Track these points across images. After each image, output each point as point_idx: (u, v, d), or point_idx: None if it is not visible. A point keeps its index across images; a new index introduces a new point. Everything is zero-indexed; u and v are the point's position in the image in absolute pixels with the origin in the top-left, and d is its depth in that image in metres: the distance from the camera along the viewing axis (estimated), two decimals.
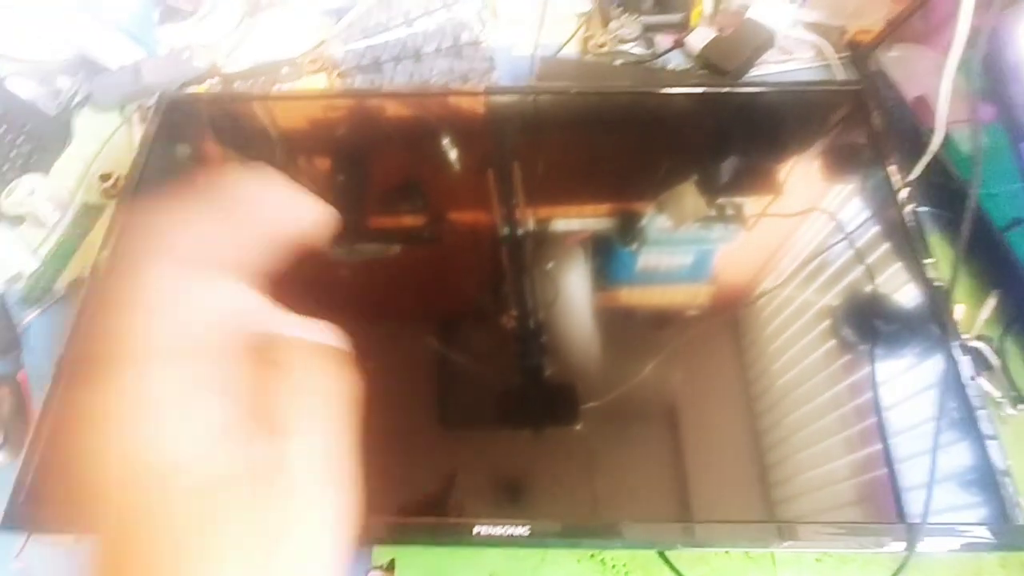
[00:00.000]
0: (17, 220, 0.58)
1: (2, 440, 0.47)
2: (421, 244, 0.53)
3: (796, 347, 0.45)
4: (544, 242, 0.51)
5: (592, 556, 0.43)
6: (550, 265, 0.49)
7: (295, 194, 0.19)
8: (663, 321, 0.47)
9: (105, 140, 0.63)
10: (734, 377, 0.44)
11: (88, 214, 0.59)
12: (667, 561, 0.42)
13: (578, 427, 0.43)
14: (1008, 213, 0.47)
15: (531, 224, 0.52)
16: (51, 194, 0.58)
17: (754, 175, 0.54)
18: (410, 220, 0.54)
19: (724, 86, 0.59)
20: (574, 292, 0.48)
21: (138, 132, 0.63)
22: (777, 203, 0.52)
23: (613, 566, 0.43)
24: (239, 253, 0.18)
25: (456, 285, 0.51)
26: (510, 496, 0.41)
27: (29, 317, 0.53)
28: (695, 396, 0.44)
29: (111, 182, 0.59)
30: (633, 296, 0.49)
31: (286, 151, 0.59)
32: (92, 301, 0.48)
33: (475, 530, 0.38)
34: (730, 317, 0.47)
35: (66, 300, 0.55)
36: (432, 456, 0.42)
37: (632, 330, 0.48)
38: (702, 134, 0.58)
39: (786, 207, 0.52)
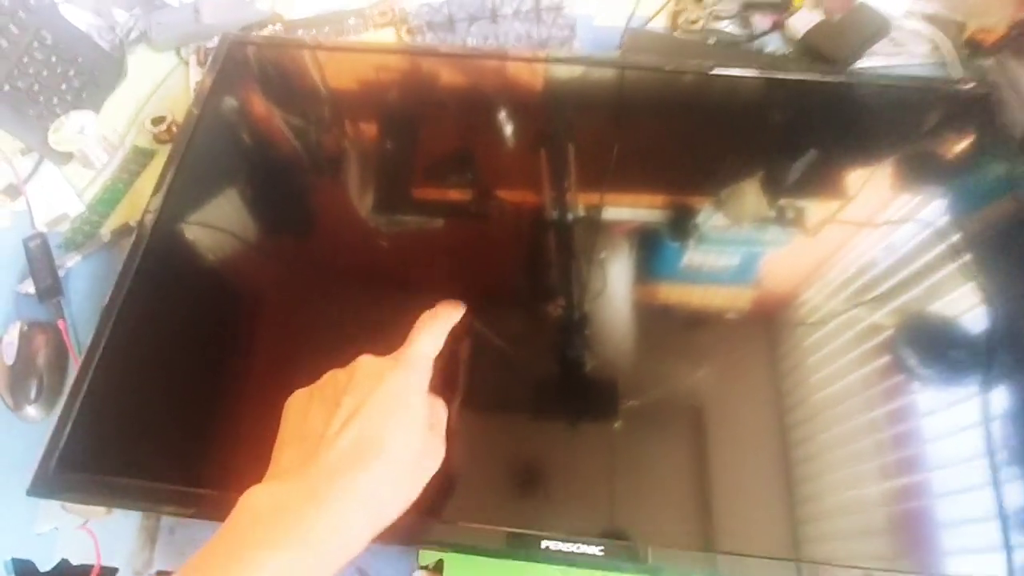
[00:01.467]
0: (64, 158, 0.55)
1: (36, 392, 0.45)
2: (466, 220, 0.50)
3: (869, 371, 0.41)
4: (594, 229, 0.47)
5: None
6: (602, 255, 0.46)
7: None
8: (707, 329, 0.43)
9: (160, 82, 0.60)
10: (795, 394, 0.40)
11: (138, 158, 0.56)
12: None
13: (616, 424, 0.39)
14: None
15: (582, 209, 0.48)
16: (101, 134, 0.54)
17: (847, 175, 0.49)
18: (457, 194, 0.51)
19: (833, 75, 0.54)
20: (621, 284, 0.45)
21: (194, 75, 0.60)
22: (872, 208, 0.48)
23: None
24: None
25: (498, 265, 0.48)
26: (549, 502, 0.37)
27: (71, 263, 0.50)
28: (747, 408, 0.40)
29: (163, 126, 0.56)
30: (684, 295, 0.45)
31: (342, 109, 0.55)
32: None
33: (543, 544, 0.35)
34: (789, 330, 0.43)
35: (110, 247, 0.51)
36: (473, 449, 0.39)
37: (678, 331, 0.44)
38: (791, 126, 0.53)
39: (865, 214, 0.47)
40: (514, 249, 0.48)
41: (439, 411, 0.36)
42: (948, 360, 0.41)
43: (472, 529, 0.36)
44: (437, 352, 0.35)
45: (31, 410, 0.44)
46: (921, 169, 0.49)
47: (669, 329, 0.44)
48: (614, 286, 0.45)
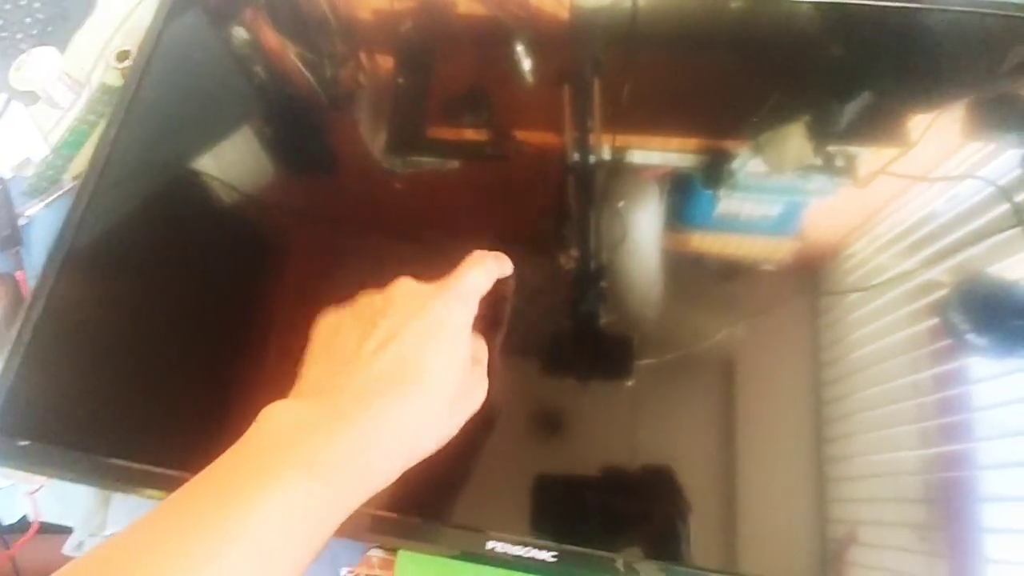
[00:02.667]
0: (30, 98, 0.52)
1: None
2: (482, 161, 0.45)
3: (914, 334, 0.35)
4: (618, 174, 0.42)
5: None
6: (621, 204, 0.41)
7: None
8: (739, 282, 0.38)
9: (128, 13, 0.55)
10: (832, 352, 0.35)
11: (105, 97, 0.52)
12: None
13: (630, 383, 0.36)
14: None
15: (606, 152, 0.43)
16: (65, 71, 0.51)
17: (908, 120, 0.41)
18: (473, 134, 0.46)
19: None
20: (643, 234, 0.40)
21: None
22: (914, 158, 0.40)
23: None
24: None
25: (515, 210, 0.43)
26: (533, 497, 0.33)
27: (33, 210, 0.48)
28: (777, 367, 0.36)
29: (129, 62, 0.51)
30: (711, 246, 0.40)
31: (342, 40, 0.49)
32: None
33: (488, 545, 0.31)
34: (829, 287, 0.37)
35: (73, 194, 0.49)
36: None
37: (703, 285, 0.39)
38: (848, 62, 0.44)
39: (924, 165, 0.39)
40: (531, 193, 0.44)
41: (482, 349, 0.33)
42: (1007, 329, 0.35)
43: (407, 522, 0.32)
44: (486, 291, 0.32)
45: None
46: (993, 115, 0.40)
47: (693, 283, 0.39)
48: (635, 235, 0.40)
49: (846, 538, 0.32)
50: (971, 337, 0.35)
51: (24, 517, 0.42)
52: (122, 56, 0.52)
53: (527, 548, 0.30)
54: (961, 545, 0.31)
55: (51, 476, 0.39)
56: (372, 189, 0.44)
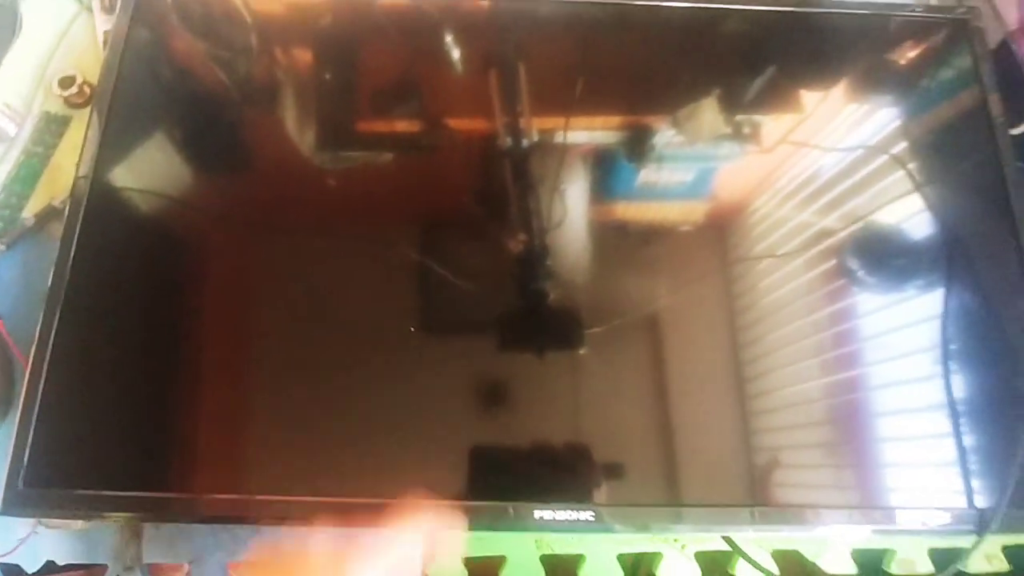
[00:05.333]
0: None
1: None
2: (416, 152, 0.47)
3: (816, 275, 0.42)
4: (549, 154, 0.45)
5: None
6: (560, 180, 0.44)
7: None
8: (660, 244, 0.44)
9: (62, 33, 0.52)
10: (746, 298, 0.42)
11: (52, 127, 0.49)
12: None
13: (582, 351, 0.40)
14: None
15: (536, 134, 0.46)
16: (3, 101, 0.48)
17: (805, 96, 0.48)
18: (404, 125, 0.47)
19: (789, 5, 0.50)
20: (580, 210, 0.44)
21: (100, 22, 0.52)
22: (820, 130, 0.47)
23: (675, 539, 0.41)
24: None
25: (452, 199, 0.46)
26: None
27: None
28: (705, 319, 0.41)
29: (74, 88, 0.49)
30: (639, 215, 0.45)
31: (270, 42, 0.49)
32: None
33: (536, 515, 0.36)
34: (733, 248, 0.43)
35: (36, 232, 0.47)
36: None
37: (631, 253, 0.44)
38: (740, 42, 0.50)
39: (816, 131, 0.47)
40: (468, 180, 0.46)
41: None
42: (892, 268, 0.43)
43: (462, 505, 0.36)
44: None
45: None
46: (883, 90, 0.48)
47: (623, 250, 0.43)
48: (574, 212, 0.43)
49: (770, 463, 0.37)
50: (861, 276, 0.42)
51: (49, 562, 0.42)
52: (66, 83, 0.49)
53: (570, 512, 0.36)
54: (861, 455, 0.38)
55: (86, 518, 0.39)
56: (307, 188, 0.44)
